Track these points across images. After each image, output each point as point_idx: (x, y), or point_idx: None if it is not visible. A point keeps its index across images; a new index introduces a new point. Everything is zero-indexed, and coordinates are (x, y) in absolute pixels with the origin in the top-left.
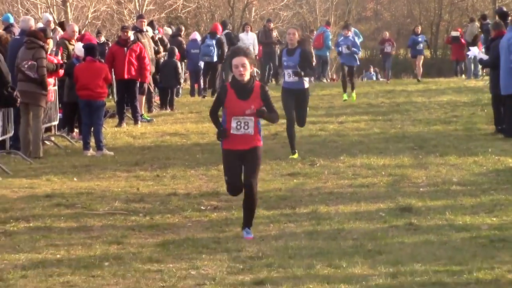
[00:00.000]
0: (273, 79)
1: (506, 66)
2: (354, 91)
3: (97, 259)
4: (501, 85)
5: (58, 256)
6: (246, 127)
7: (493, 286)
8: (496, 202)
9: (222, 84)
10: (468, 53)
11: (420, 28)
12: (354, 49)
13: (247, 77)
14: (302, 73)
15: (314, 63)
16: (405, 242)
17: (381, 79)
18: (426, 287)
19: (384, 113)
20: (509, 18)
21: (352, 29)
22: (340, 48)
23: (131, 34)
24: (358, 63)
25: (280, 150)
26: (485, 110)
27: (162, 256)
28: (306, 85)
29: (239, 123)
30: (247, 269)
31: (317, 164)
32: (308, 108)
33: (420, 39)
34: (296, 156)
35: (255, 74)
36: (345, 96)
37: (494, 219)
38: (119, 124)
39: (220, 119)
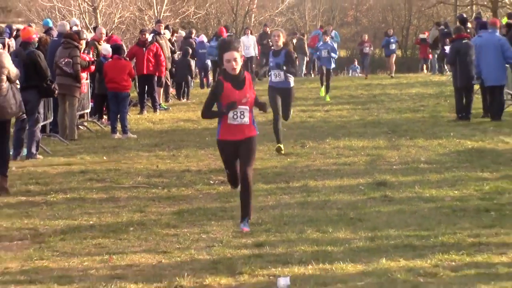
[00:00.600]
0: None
1: (498, 61)
2: (328, 94)
3: (124, 225)
4: (491, 78)
5: (90, 222)
6: (242, 117)
7: (455, 248)
8: (458, 177)
9: (217, 79)
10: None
11: (392, 31)
12: (333, 54)
13: (238, 70)
14: (284, 68)
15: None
16: (381, 211)
17: (360, 75)
18: (399, 249)
19: (363, 103)
20: (468, 23)
21: (334, 32)
22: (318, 53)
23: (148, 36)
24: (334, 66)
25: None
26: (448, 101)
27: (178, 223)
28: (292, 84)
29: (235, 113)
30: (249, 233)
31: (307, 146)
32: (292, 103)
33: (392, 40)
34: (281, 146)
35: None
36: (322, 92)
37: (456, 192)
38: (141, 112)
39: None
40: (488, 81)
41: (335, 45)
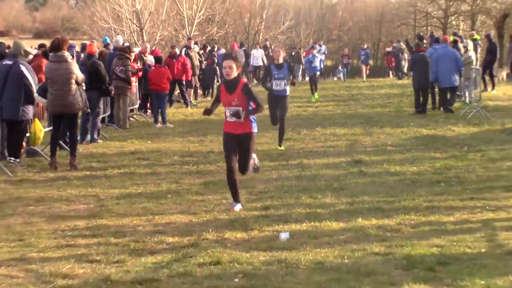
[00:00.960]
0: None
1: (452, 69)
2: (316, 93)
3: (163, 193)
4: (447, 81)
5: (138, 191)
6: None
7: (413, 210)
8: (416, 157)
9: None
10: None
11: (366, 45)
12: (319, 66)
13: (232, 76)
14: (291, 79)
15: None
16: (357, 182)
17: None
18: (371, 211)
19: (344, 100)
20: (424, 40)
21: (323, 46)
22: (307, 63)
23: (177, 51)
24: (319, 71)
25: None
26: (408, 99)
27: (204, 191)
28: (288, 92)
29: (230, 111)
30: (258, 199)
31: (302, 133)
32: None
33: (365, 53)
34: (281, 148)
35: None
36: (314, 98)
37: (414, 168)
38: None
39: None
40: (444, 84)
41: (323, 56)
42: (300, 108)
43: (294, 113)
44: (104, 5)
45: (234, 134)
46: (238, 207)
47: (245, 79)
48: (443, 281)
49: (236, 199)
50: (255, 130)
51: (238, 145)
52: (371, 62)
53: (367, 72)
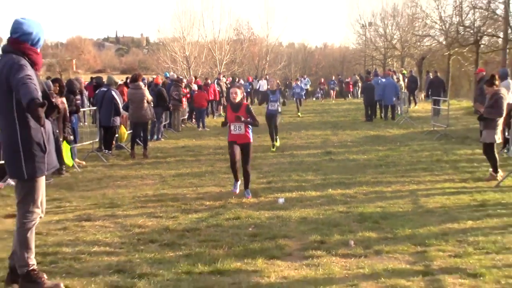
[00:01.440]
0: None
1: (392, 93)
2: (300, 111)
3: (203, 172)
4: (389, 100)
5: (187, 171)
6: (239, 129)
7: (364, 183)
8: (366, 149)
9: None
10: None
11: (333, 77)
12: (302, 93)
13: (237, 99)
14: (282, 100)
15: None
16: (328, 165)
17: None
18: (337, 184)
19: (320, 112)
20: (370, 74)
21: (307, 78)
22: (294, 90)
23: (210, 81)
24: (304, 97)
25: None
26: (360, 112)
27: (229, 172)
28: (280, 110)
29: (234, 126)
30: (264, 176)
31: (292, 134)
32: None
33: (334, 82)
34: (277, 143)
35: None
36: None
37: (365, 156)
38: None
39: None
40: (387, 102)
41: (308, 85)
42: (290, 118)
43: (287, 121)
44: (165, 52)
45: (236, 143)
46: (236, 185)
47: (246, 102)
48: (384, 229)
49: (236, 179)
50: (251, 140)
51: (240, 149)
52: (337, 88)
53: (334, 95)
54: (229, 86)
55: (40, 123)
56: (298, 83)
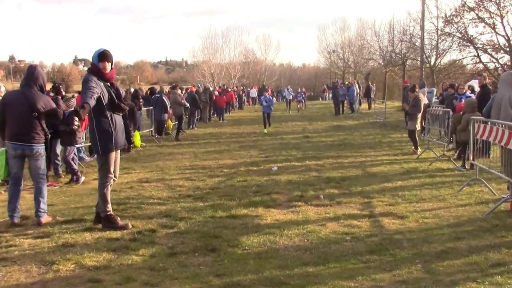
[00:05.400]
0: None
1: (354, 96)
2: (270, 127)
3: (222, 150)
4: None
5: (211, 149)
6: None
7: (330, 157)
8: (331, 134)
9: None
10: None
11: (299, 89)
12: (271, 104)
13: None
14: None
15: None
16: (305, 145)
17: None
18: (312, 158)
19: (297, 120)
20: (337, 84)
21: (290, 88)
22: (262, 102)
23: (229, 89)
24: (272, 110)
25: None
26: (328, 109)
27: (240, 149)
28: (272, 110)
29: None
30: (262, 152)
31: (282, 124)
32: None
33: (302, 94)
34: (265, 130)
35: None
36: (265, 130)
37: (330, 138)
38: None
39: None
40: (351, 100)
41: (291, 92)
42: (281, 113)
43: (277, 116)
44: (198, 70)
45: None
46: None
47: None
48: (343, 187)
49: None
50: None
51: None
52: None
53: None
54: (240, 93)
55: (71, 123)
56: (268, 95)
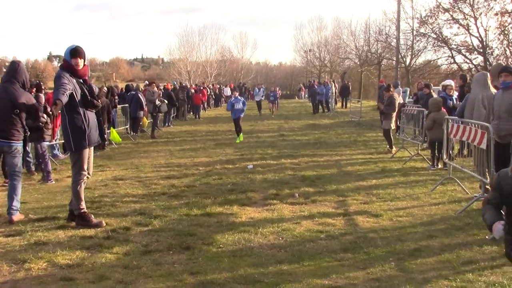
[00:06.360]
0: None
1: (329, 95)
2: (241, 134)
3: (198, 148)
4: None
5: (187, 147)
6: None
7: (305, 156)
8: (307, 132)
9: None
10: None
11: (273, 88)
12: (243, 106)
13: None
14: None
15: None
16: (281, 144)
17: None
18: (287, 156)
19: (273, 119)
20: (314, 83)
21: (264, 87)
22: (230, 106)
23: (201, 87)
24: (242, 115)
25: (258, 118)
26: (304, 108)
27: (216, 147)
28: (243, 114)
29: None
30: (238, 150)
31: (258, 123)
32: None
33: (275, 94)
34: (237, 141)
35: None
36: (237, 141)
37: (306, 137)
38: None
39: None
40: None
41: (263, 91)
42: (256, 112)
43: (253, 115)
44: (174, 68)
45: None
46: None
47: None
48: (318, 186)
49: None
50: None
51: None
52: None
53: (273, 108)
54: (217, 91)
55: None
56: (237, 96)
